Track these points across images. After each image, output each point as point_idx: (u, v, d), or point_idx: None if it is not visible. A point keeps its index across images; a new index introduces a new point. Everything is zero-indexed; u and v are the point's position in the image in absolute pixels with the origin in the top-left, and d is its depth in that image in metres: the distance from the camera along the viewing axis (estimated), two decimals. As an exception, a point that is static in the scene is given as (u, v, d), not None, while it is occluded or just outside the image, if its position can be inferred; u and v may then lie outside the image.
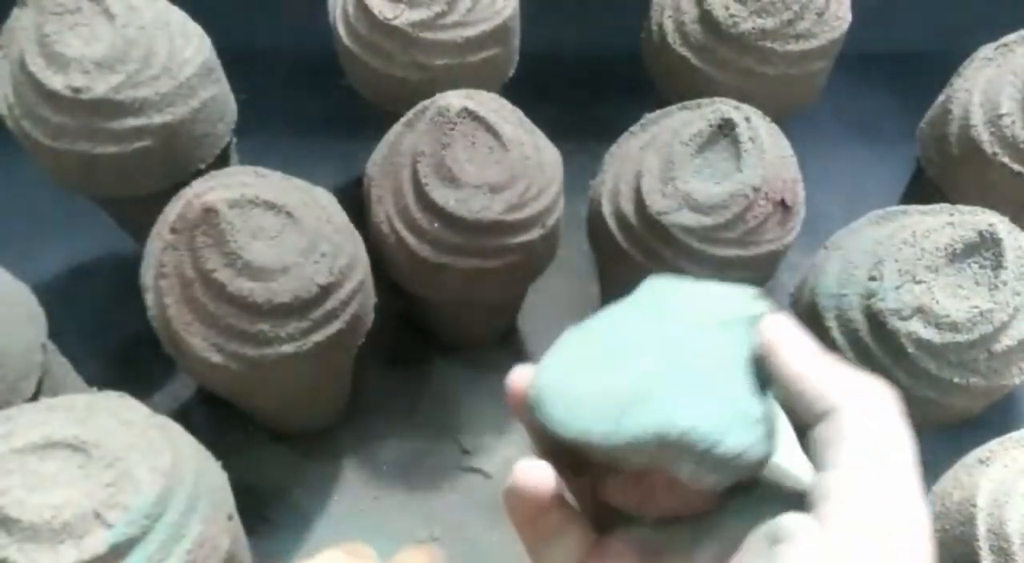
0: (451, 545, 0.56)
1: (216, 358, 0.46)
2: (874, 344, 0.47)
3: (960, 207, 0.50)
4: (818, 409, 0.24)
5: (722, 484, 0.26)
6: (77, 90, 0.50)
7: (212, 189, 0.46)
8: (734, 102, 0.52)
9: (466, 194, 0.50)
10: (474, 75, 0.59)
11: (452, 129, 0.50)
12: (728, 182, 0.50)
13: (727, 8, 0.58)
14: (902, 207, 0.52)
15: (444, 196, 0.50)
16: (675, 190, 0.50)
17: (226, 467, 0.42)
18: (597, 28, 0.77)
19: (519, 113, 0.54)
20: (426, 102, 0.53)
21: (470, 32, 0.58)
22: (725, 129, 0.50)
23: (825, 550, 0.22)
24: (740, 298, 0.28)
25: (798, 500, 0.24)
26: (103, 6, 0.51)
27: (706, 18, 0.59)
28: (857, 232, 0.52)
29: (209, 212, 0.44)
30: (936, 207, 0.50)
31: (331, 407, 0.60)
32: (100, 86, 0.50)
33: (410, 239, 0.52)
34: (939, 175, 0.61)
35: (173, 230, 0.46)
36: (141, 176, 0.55)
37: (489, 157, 0.51)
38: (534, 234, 0.52)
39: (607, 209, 0.54)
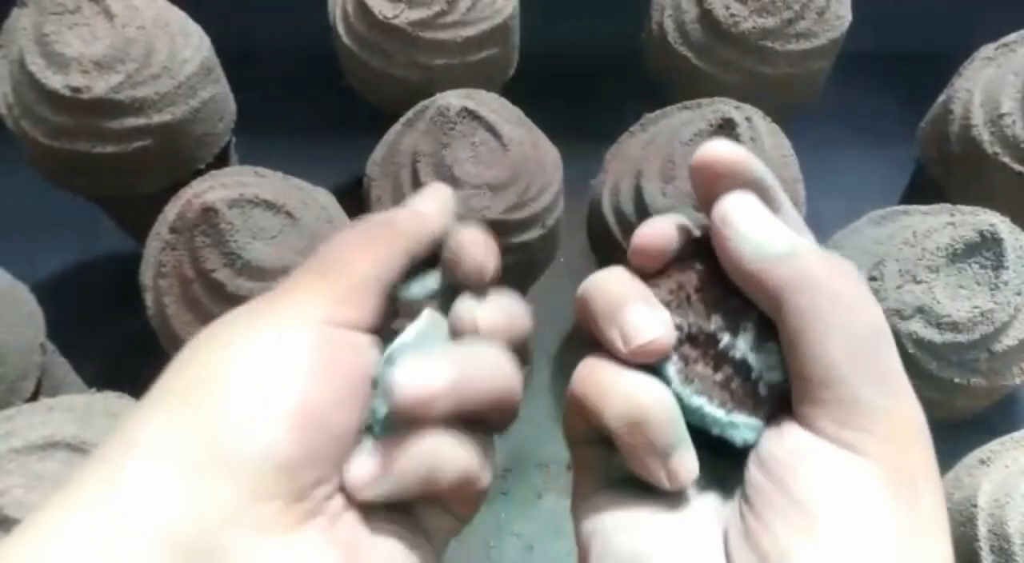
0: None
1: (216, 358, 0.46)
2: (875, 344, 0.47)
3: (961, 207, 0.49)
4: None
5: None
6: (76, 90, 0.50)
7: (211, 189, 0.46)
8: (735, 102, 0.52)
9: (466, 194, 0.50)
10: (474, 75, 0.59)
11: (452, 129, 0.50)
12: (728, 182, 0.49)
13: (727, 7, 0.58)
14: (903, 207, 0.52)
15: (444, 196, 0.50)
16: (676, 190, 0.50)
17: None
18: (597, 28, 0.77)
19: (519, 113, 0.54)
20: (426, 102, 0.53)
21: (470, 32, 0.58)
22: (726, 129, 0.50)
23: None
24: None
25: None
26: (103, 6, 0.51)
27: (706, 17, 0.59)
28: (858, 232, 0.52)
29: (208, 212, 0.44)
30: (937, 207, 0.50)
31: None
32: (99, 86, 0.50)
33: (410, 239, 0.51)
34: (940, 175, 0.60)
35: (172, 230, 0.46)
36: (140, 176, 0.54)
37: (489, 157, 0.51)
38: (534, 234, 0.52)
39: (607, 209, 0.54)
